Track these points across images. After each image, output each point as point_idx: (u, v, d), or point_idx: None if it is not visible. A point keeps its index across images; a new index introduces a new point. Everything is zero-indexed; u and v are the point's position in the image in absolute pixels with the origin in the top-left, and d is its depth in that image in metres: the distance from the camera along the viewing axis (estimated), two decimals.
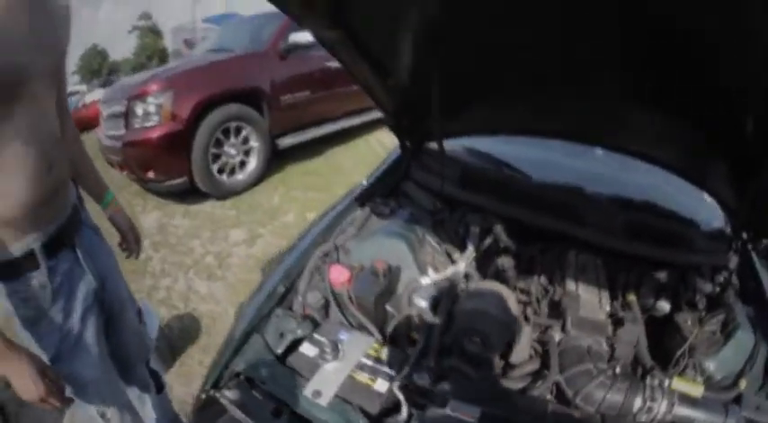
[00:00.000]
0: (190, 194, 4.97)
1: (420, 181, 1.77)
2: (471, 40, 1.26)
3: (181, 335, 3.00)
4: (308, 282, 1.38)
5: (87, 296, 1.38)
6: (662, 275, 1.34)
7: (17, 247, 1.22)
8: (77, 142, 1.60)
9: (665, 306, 1.28)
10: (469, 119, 1.67)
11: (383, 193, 1.79)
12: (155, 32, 53.67)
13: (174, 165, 4.63)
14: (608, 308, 1.27)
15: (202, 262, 3.90)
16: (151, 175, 4.61)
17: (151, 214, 4.88)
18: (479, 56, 1.32)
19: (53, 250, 1.29)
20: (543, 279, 1.39)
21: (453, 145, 1.80)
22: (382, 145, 6.11)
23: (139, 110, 4.52)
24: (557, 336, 1.25)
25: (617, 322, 1.26)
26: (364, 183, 1.89)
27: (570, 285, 1.32)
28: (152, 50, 51.24)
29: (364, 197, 1.71)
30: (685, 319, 1.23)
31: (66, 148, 1.37)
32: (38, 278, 1.25)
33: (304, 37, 5.15)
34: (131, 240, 1.72)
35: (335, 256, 1.45)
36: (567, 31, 1.07)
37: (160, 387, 1.87)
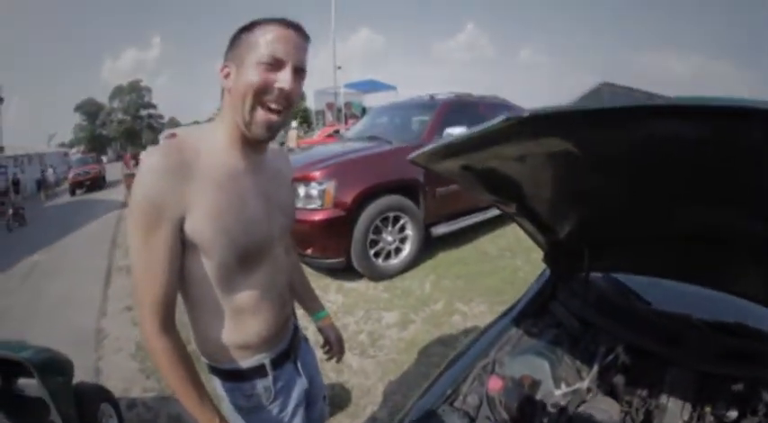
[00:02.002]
0: (342, 272, 5.43)
1: (564, 302, 2.17)
2: (615, 212, 1.74)
3: (331, 401, 3.21)
4: (469, 386, 1.82)
5: (300, 395, 1.56)
6: (738, 388, 1.58)
7: (249, 362, 1.41)
8: (297, 267, 1.89)
9: (733, 415, 1.52)
10: (611, 262, 2.10)
11: (534, 311, 2.22)
12: None
13: (333, 246, 5.10)
14: (686, 417, 1.57)
15: (356, 339, 4.26)
16: (309, 251, 5.05)
17: None
18: (623, 220, 1.79)
19: (278, 363, 1.47)
20: (645, 392, 1.72)
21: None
22: None
23: (301, 191, 5.00)
24: None
25: None
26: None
27: (663, 398, 1.64)
28: (295, 110, 55.74)
29: (519, 318, 2.15)
30: None
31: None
32: (263, 384, 1.43)
33: (459, 131, 5.59)
34: (337, 350, 1.96)
35: (493, 367, 1.89)
36: (696, 204, 1.46)
37: None
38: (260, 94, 1.19)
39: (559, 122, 1.09)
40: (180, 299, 1.31)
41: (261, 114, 1.21)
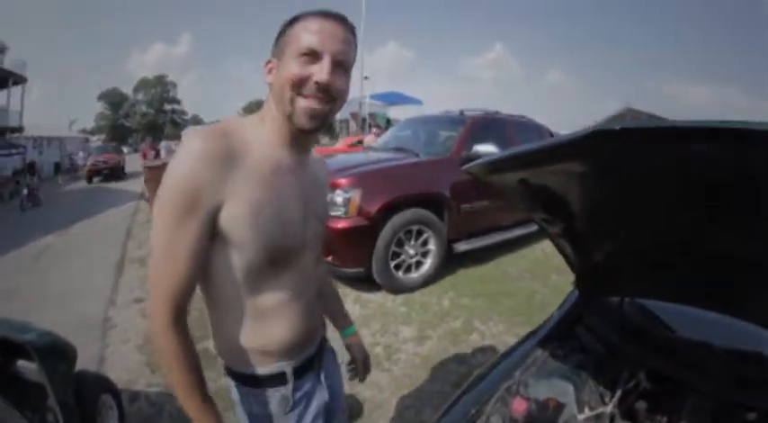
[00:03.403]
0: (360, 282, 5.45)
1: (590, 326, 2.18)
2: (653, 238, 1.76)
3: None
4: (493, 406, 1.82)
5: (319, 407, 1.49)
6: (752, 416, 1.60)
7: (269, 369, 1.36)
8: (327, 277, 1.88)
9: None
10: (644, 288, 2.11)
11: (560, 334, 2.22)
12: None
13: (354, 255, 5.10)
14: None
15: (371, 351, 3.92)
16: (329, 259, 5.01)
17: None
18: (660, 246, 1.80)
19: (301, 372, 1.42)
20: (664, 419, 1.73)
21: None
22: (547, 255, 6.53)
23: None
24: None
25: None
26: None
27: None
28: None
29: (545, 341, 2.16)
30: None
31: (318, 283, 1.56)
32: (281, 392, 1.38)
33: (488, 148, 5.59)
34: (362, 369, 1.93)
35: (517, 389, 1.89)
36: (734, 233, 1.46)
37: None
38: (297, 87, 1.18)
39: (645, 138, 1.09)
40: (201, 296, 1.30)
41: (301, 102, 1.19)
